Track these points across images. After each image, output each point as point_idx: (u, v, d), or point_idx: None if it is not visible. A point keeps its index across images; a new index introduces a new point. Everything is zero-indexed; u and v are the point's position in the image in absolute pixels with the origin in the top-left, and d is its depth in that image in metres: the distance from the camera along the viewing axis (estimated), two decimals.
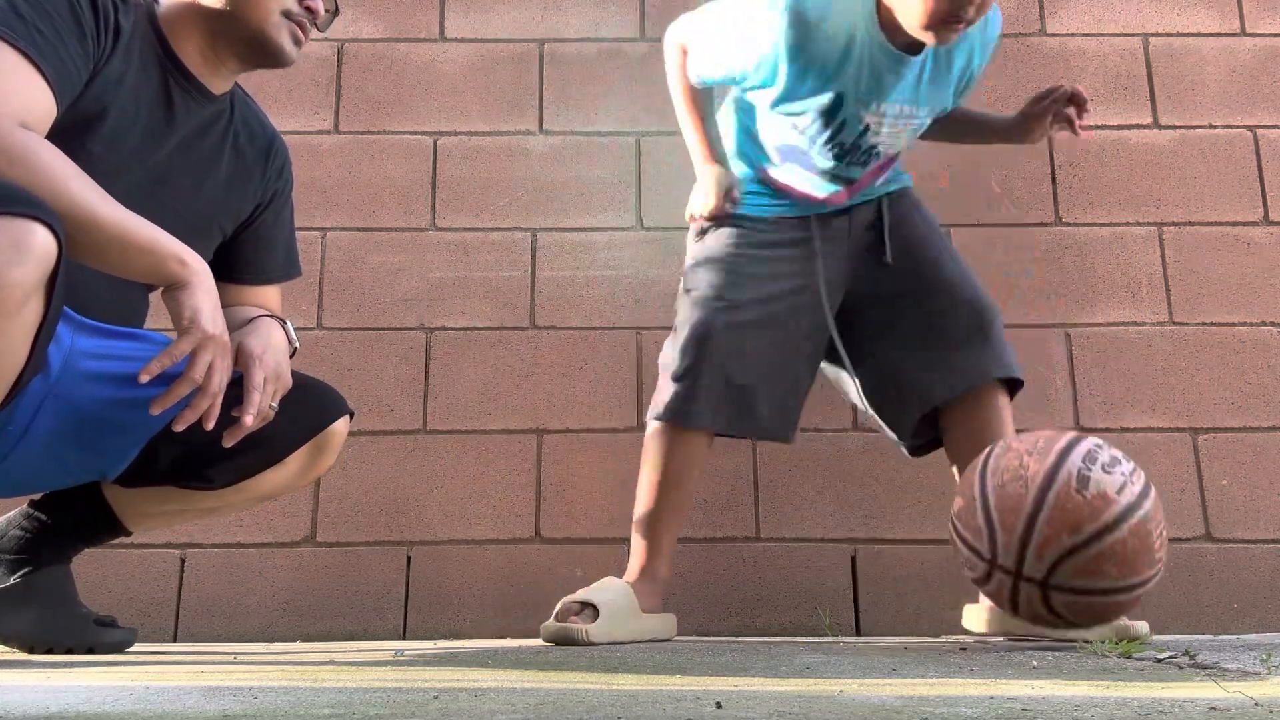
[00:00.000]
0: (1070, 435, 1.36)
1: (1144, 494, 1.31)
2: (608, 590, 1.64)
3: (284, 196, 1.55)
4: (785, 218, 1.79)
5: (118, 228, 1.15)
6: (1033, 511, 1.27)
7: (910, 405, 1.76)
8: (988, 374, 1.72)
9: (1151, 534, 1.28)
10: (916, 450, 1.83)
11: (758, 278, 1.73)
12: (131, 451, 1.37)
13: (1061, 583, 1.27)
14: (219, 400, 1.22)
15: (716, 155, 1.79)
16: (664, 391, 1.72)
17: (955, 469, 1.76)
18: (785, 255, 1.76)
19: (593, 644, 1.54)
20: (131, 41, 1.30)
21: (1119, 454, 1.35)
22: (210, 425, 1.22)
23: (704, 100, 1.81)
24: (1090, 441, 1.35)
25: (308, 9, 1.39)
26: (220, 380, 1.22)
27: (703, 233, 1.80)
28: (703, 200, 1.77)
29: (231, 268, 1.49)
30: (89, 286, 1.28)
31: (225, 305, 1.33)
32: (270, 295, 1.53)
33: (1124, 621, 1.58)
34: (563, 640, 1.56)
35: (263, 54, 1.38)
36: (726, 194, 1.75)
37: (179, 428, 1.21)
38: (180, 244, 1.20)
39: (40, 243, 1.05)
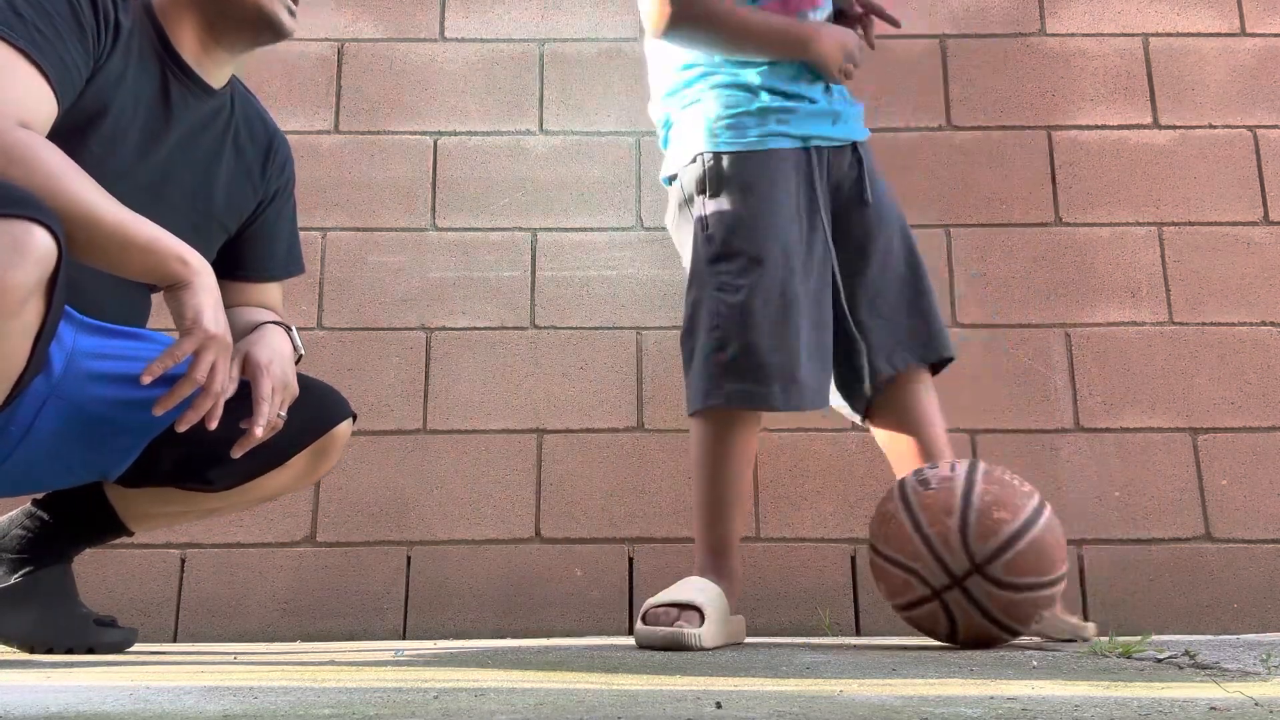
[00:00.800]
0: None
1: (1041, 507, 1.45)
2: (705, 590, 1.51)
3: (286, 193, 1.55)
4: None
5: (118, 226, 1.15)
6: (963, 507, 1.40)
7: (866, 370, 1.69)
8: (939, 349, 1.71)
9: (1059, 531, 1.44)
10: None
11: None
12: (133, 452, 1.37)
13: (999, 577, 1.38)
14: (221, 401, 1.22)
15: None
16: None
17: (891, 443, 1.73)
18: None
19: (704, 649, 1.42)
20: (131, 38, 1.30)
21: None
22: (213, 425, 1.22)
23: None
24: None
25: None
26: (222, 380, 1.21)
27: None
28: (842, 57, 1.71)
29: (234, 265, 1.49)
30: (92, 287, 1.28)
31: (227, 304, 1.32)
32: (272, 292, 1.53)
33: (1075, 621, 1.59)
34: (671, 645, 1.41)
35: (262, 28, 1.38)
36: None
37: (181, 428, 1.21)
38: (181, 243, 1.20)
39: (39, 244, 1.05)
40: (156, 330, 1.46)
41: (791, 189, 1.65)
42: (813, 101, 1.71)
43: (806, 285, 1.62)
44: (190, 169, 1.39)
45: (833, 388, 1.72)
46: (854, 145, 1.74)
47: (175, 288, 1.19)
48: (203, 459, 1.38)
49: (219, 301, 1.22)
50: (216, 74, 1.40)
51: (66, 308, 1.29)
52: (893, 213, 1.76)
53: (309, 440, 1.45)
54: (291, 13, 1.39)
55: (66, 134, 1.20)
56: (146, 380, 1.17)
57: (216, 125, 1.42)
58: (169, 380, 1.23)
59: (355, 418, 1.52)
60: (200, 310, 1.19)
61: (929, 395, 1.71)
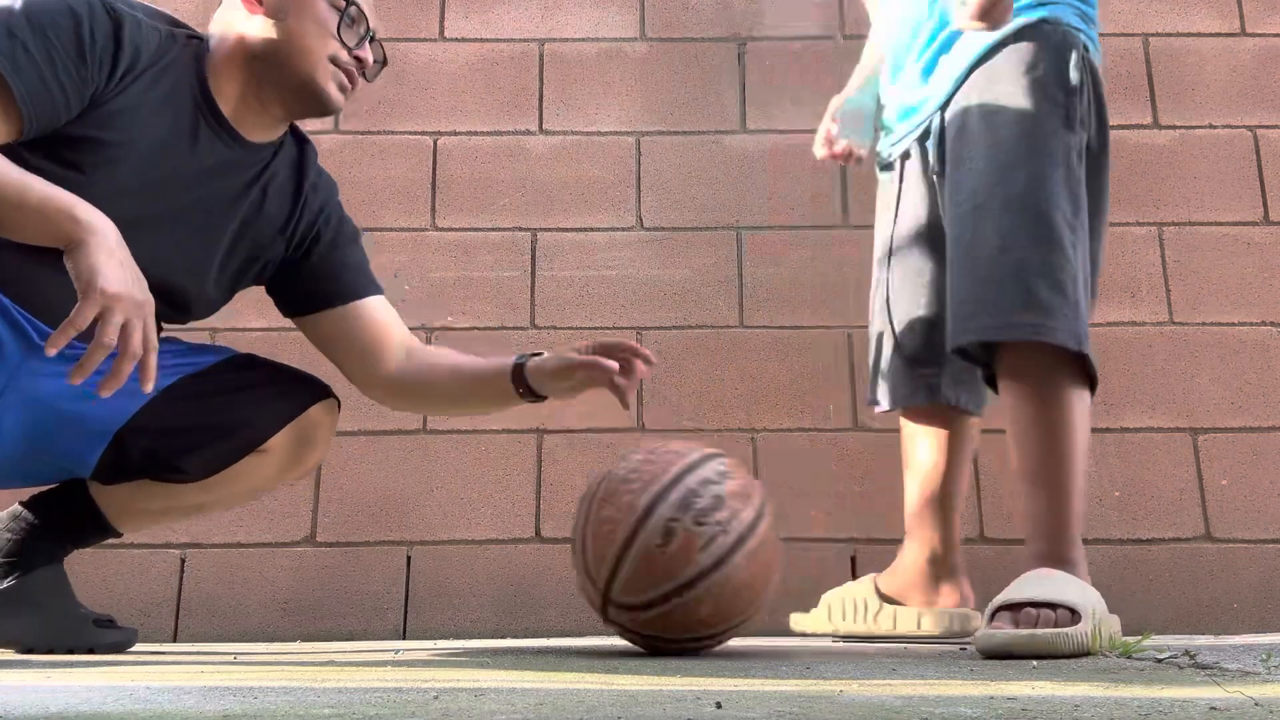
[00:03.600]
0: (691, 458, 1.27)
1: (736, 545, 1.21)
2: (1070, 584, 1.28)
3: (332, 232, 1.51)
4: None
5: (13, 188, 1.12)
6: (619, 555, 1.22)
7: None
8: None
9: (740, 583, 1.21)
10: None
11: None
12: (97, 446, 1.36)
13: (642, 630, 1.26)
14: (149, 360, 1.14)
15: None
16: None
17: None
18: None
19: (1089, 653, 1.22)
20: (163, 74, 1.30)
21: (725, 492, 1.23)
22: (148, 388, 1.15)
23: None
24: (708, 469, 1.25)
25: (357, 59, 1.38)
26: (139, 340, 1.12)
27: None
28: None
29: (313, 299, 1.49)
30: (54, 287, 1.26)
31: (342, 337, 1.40)
32: (374, 309, 1.50)
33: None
34: (1048, 652, 1.18)
35: (308, 101, 1.37)
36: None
37: (104, 394, 1.13)
38: (78, 202, 1.14)
39: None
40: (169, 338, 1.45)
41: None
42: None
43: None
44: (202, 207, 1.37)
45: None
46: None
47: (70, 249, 1.12)
48: (173, 448, 1.38)
49: (125, 259, 1.14)
50: (256, 130, 1.39)
51: (20, 314, 1.28)
52: None
53: (281, 423, 1.43)
54: (344, 90, 1.38)
55: (58, 150, 1.21)
56: (51, 352, 1.09)
57: (246, 173, 1.40)
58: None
59: (339, 402, 1.51)
60: (95, 270, 1.10)
61: None
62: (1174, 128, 2.22)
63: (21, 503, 1.50)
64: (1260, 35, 2.27)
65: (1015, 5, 1.42)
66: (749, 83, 2.26)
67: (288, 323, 1.61)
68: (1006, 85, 1.47)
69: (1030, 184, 1.41)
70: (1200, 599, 1.98)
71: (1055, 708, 0.74)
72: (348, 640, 1.93)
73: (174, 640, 1.94)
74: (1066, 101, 1.44)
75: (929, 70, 1.59)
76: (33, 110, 1.18)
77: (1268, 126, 2.22)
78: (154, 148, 1.30)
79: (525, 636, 1.94)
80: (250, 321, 2.04)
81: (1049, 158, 1.42)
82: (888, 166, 1.74)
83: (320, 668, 1.16)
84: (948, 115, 1.54)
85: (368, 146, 2.20)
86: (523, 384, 1.41)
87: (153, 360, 1.14)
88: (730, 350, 2.11)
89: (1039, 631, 1.19)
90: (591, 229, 2.17)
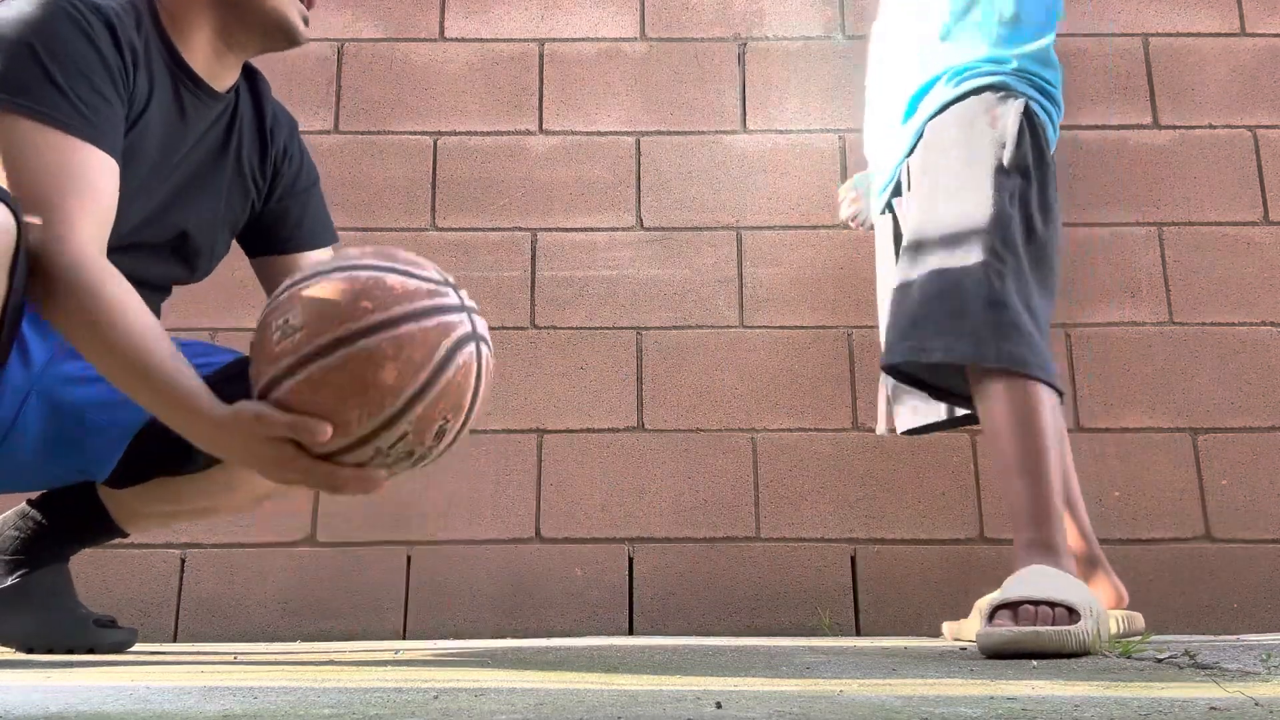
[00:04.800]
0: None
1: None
2: (1065, 581, 1.30)
3: (294, 174, 1.51)
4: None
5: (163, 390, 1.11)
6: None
7: None
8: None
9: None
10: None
11: None
12: (115, 453, 1.36)
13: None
14: (364, 481, 1.09)
15: None
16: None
17: None
18: None
19: (1090, 651, 1.24)
20: (146, 57, 1.28)
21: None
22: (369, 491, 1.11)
23: None
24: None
25: None
26: (341, 486, 1.08)
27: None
28: None
29: (270, 242, 1.50)
30: None
31: (279, 276, 1.38)
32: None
33: (1126, 611, 1.58)
34: (1052, 650, 1.19)
35: (276, 35, 1.37)
36: None
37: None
38: (206, 411, 1.09)
39: None
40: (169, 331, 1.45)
41: None
42: None
43: None
44: (199, 173, 1.38)
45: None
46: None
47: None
48: (184, 445, 1.38)
49: (245, 450, 1.09)
50: (224, 78, 1.39)
51: None
52: None
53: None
54: (305, 21, 1.38)
55: None
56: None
57: (221, 124, 1.42)
58: None
59: None
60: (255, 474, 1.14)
61: None
62: (1174, 128, 2.22)
63: (29, 501, 1.50)
64: (1260, 35, 2.27)
65: (969, 70, 1.62)
66: (749, 83, 2.26)
67: None
68: (950, 133, 1.60)
69: (961, 220, 1.51)
70: (1200, 599, 1.98)
71: (1055, 708, 0.74)
72: (348, 640, 1.93)
73: (174, 640, 1.94)
74: (1000, 147, 1.54)
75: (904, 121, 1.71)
76: (117, 159, 1.19)
77: (1268, 126, 2.22)
78: (156, 134, 1.30)
79: (525, 636, 1.93)
80: (251, 322, 2.04)
81: (982, 195, 1.51)
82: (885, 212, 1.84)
83: (320, 668, 1.16)
84: (910, 167, 1.68)
85: (368, 146, 2.20)
86: None
87: (369, 486, 1.09)
88: (730, 350, 2.11)
89: (1041, 629, 1.20)
90: (591, 229, 2.17)
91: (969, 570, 1.99)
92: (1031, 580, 1.29)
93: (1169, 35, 2.28)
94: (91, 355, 1.13)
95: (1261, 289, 2.13)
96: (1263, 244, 2.16)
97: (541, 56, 2.27)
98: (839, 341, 2.12)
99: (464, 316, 1.06)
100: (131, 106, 1.25)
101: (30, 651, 1.46)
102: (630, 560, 2.01)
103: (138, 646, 1.59)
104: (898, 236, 1.74)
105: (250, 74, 1.47)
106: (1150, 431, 2.06)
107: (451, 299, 1.06)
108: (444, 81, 2.25)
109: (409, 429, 1.04)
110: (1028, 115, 1.58)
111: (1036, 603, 1.24)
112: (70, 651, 1.46)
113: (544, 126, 2.23)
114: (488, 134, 2.22)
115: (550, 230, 2.17)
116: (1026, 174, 1.55)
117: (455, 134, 2.22)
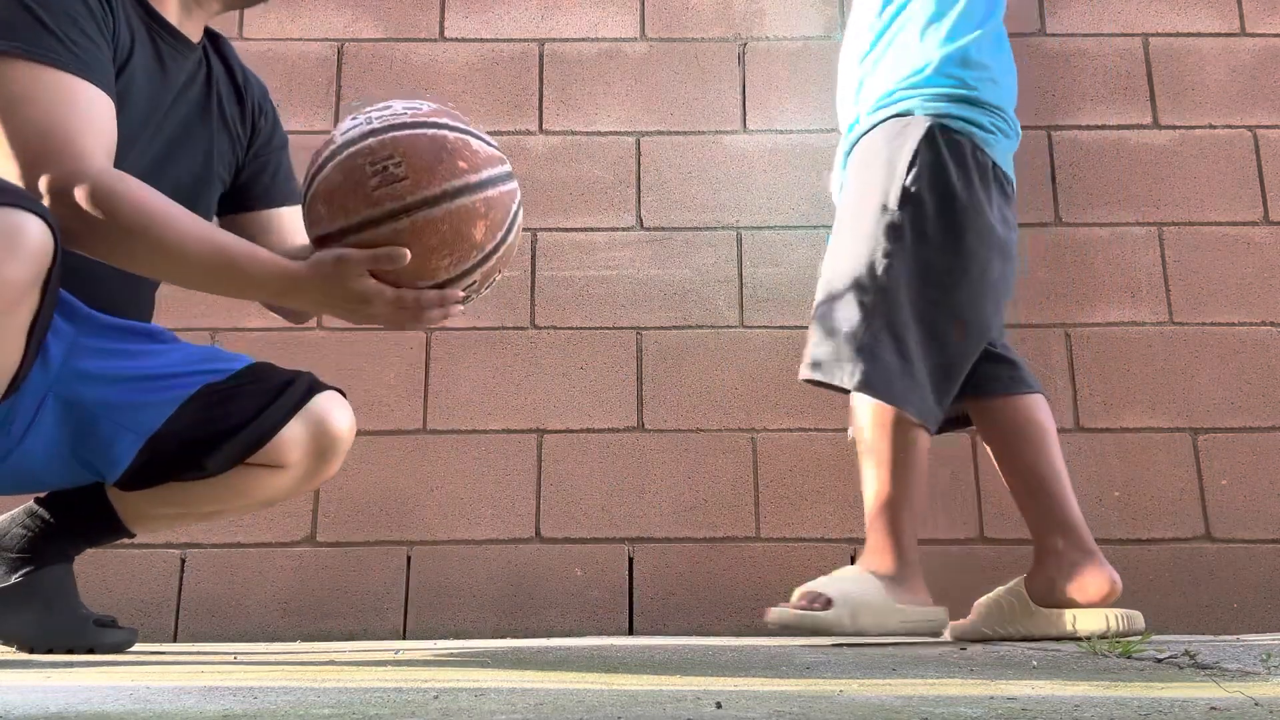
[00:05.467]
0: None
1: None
2: (844, 581, 1.57)
3: (268, 131, 1.55)
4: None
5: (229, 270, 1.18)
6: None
7: None
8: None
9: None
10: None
11: None
12: (129, 454, 1.37)
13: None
14: (448, 312, 1.20)
15: None
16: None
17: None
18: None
19: (832, 634, 1.51)
20: (123, 9, 1.31)
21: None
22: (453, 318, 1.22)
23: None
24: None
25: None
26: (423, 315, 1.19)
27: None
28: None
29: (248, 199, 1.52)
30: (97, 277, 1.27)
31: (259, 239, 1.40)
32: (292, 218, 1.53)
33: (1122, 610, 1.62)
34: (800, 628, 1.51)
35: None
36: None
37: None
38: (282, 267, 1.19)
39: (35, 237, 1.05)
40: (165, 328, 1.46)
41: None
42: None
43: None
44: (187, 128, 1.41)
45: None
46: None
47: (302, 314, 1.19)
48: (197, 451, 1.38)
49: (327, 295, 1.17)
50: (194, 29, 1.42)
51: (71, 299, 1.29)
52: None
53: (289, 414, 1.41)
54: None
55: None
56: None
57: (200, 78, 1.44)
58: (165, 381, 1.24)
59: (344, 393, 1.49)
60: (349, 312, 1.18)
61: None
62: (1174, 128, 2.22)
63: (35, 500, 1.50)
64: (1260, 35, 2.27)
65: (882, 101, 1.71)
66: (749, 83, 2.26)
67: (287, 323, 1.62)
68: (853, 170, 1.74)
69: (838, 262, 1.68)
70: (1200, 599, 1.98)
71: (1055, 708, 0.74)
72: (348, 640, 1.93)
73: (174, 640, 1.94)
74: (889, 185, 1.65)
75: (849, 151, 1.78)
76: (111, 96, 1.21)
77: (1268, 126, 2.22)
78: (141, 85, 1.32)
79: (525, 636, 1.94)
80: (250, 322, 2.05)
81: (860, 238, 1.66)
82: None
83: (320, 668, 1.16)
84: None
85: None
86: None
87: (449, 311, 1.20)
88: (730, 350, 2.11)
89: (791, 611, 1.51)
90: (591, 229, 2.17)
91: (969, 570, 1.99)
92: (830, 577, 1.57)
93: (1169, 35, 2.28)
94: (157, 261, 1.18)
95: (1261, 289, 2.13)
96: (1263, 244, 2.16)
97: (541, 56, 2.27)
98: None
99: (517, 184, 1.21)
100: (116, 54, 1.27)
101: (30, 650, 1.46)
102: (630, 560, 2.01)
103: (138, 646, 1.59)
104: None
105: (213, 35, 1.51)
106: (1150, 431, 2.06)
107: (509, 166, 1.21)
108: (444, 81, 2.25)
109: (478, 278, 1.19)
110: (936, 134, 1.65)
111: (816, 594, 1.53)
112: (70, 651, 1.46)
113: (544, 126, 2.23)
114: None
115: (550, 230, 2.17)
116: (920, 202, 1.63)
117: None
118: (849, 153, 1.78)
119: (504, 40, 2.27)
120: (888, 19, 1.75)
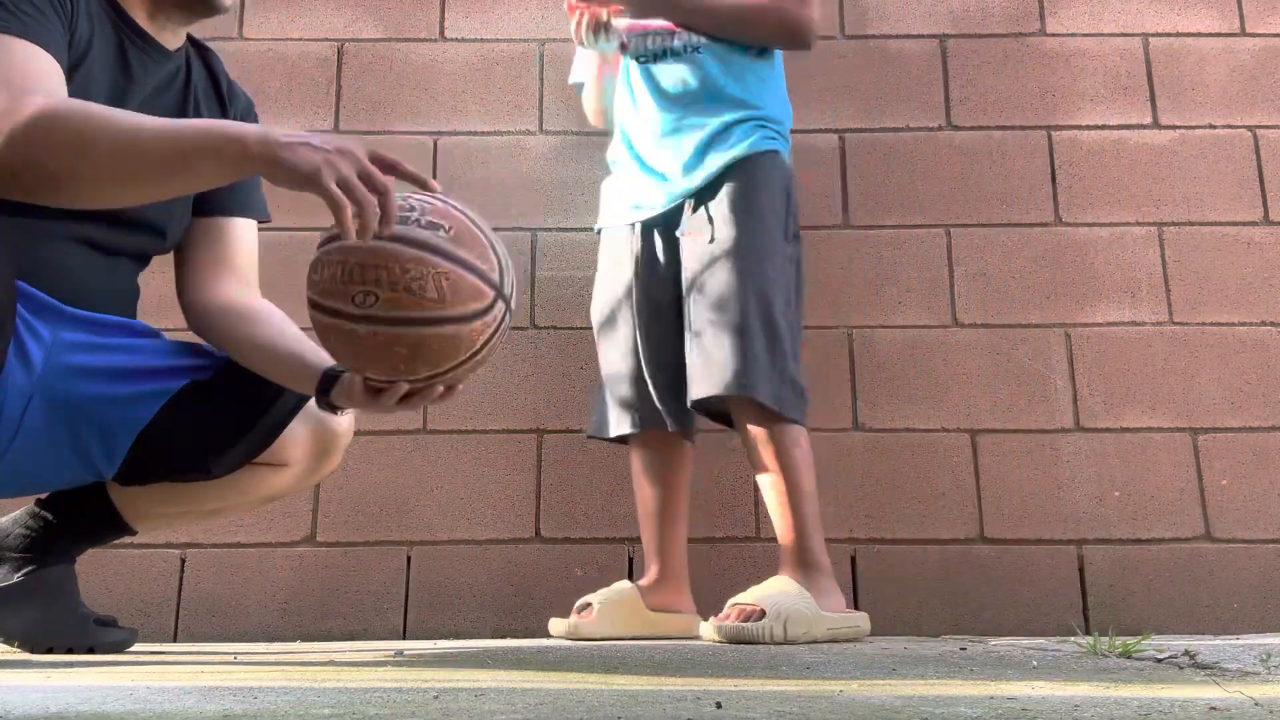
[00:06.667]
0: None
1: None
2: (774, 591, 1.60)
3: None
4: None
5: (164, 141, 1.10)
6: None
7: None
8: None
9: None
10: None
11: None
12: (122, 448, 1.37)
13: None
14: (387, 200, 1.13)
15: None
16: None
17: None
18: None
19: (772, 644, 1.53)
20: (86, 6, 1.32)
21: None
22: (388, 229, 1.14)
23: None
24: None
25: None
26: (368, 188, 1.11)
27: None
28: None
29: (214, 205, 1.50)
30: (76, 274, 1.27)
31: (211, 256, 1.41)
32: (246, 232, 1.52)
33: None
34: (740, 639, 1.54)
35: (201, 4, 1.41)
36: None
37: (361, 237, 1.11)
38: (222, 124, 1.14)
39: None
40: (149, 324, 1.46)
41: None
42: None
43: None
44: None
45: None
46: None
47: (257, 162, 1.08)
48: (194, 449, 1.38)
49: (294, 135, 1.10)
50: (169, 38, 1.43)
51: (46, 298, 1.29)
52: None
53: (290, 415, 1.41)
54: None
55: None
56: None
57: (175, 86, 1.45)
58: (155, 372, 1.27)
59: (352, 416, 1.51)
60: (295, 166, 1.07)
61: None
62: (1174, 128, 2.22)
63: (37, 501, 1.51)
64: (1260, 35, 2.27)
65: (738, 137, 1.79)
66: None
67: None
68: (740, 198, 1.78)
69: (760, 285, 1.72)
70: (1200, 599, 1.98)
71: (1055, 708, 0.74)
72: (348, 640, 1.93)
73: (174, 640, 1.94)
74: (786, 218, 1.81)
75: (690, 164, 1.80)
76: (60, 60, 1.20)
77: (1268, 126, 2.22)
78: (101, 84, 1.32)
79: (525, 636, 1.94)
80: None
81: (771, 260, 1.75)
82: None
83: (320, 668, 1.16)
84: (709, 207, 1.77)
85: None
86: (325, 398, 1.31)
87: (390, 202, 1.13)
88: None
89: (733, 624, 1.55)
90: (591, 229, 2.17)
91: (969, 570, 1.99)
92: (760, 587, 1.62)
93: (1169, 35, 2.28)
94: (115, 169, 1.10)
95: (1261, 289, 2.13)
96: (1263, 244, 2.16)
97: (541, 56, 2.27)
98: (839, 341, 2.12)
99: (506, 310, 1.26)
100: (73, 43, 1.27)
101: (31, 649, 1.46)
102: (630, 560, 2.01)
103: (138, 646, 1.59)
104: (648, 259, 1.84)
105: (200, 47, 1.51)
106: (1150, 431, 2.06)
107: (501, 306, 1.25)
108: (444, 81, 2.25)
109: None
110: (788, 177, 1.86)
111: (748, 605, 1.57)
112: (70, 651, 1.46)
113: (544, 126, 2.23)
114: (488, 134, 2.22)
115: (550, 230, 2.17)
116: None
117: (455, 134, 2.22)
118: (727, 167, 1.79)
119: (504, 40, 2.27)
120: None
